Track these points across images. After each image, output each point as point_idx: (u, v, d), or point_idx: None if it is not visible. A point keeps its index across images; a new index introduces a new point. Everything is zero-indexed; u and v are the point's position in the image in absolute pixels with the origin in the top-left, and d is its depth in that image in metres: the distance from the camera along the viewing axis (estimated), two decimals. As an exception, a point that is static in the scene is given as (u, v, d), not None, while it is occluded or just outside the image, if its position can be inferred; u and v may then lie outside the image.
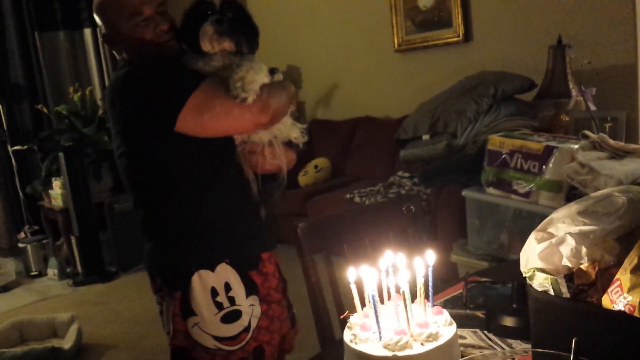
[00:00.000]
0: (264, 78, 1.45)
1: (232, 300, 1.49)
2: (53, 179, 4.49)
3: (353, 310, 1.05)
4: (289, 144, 1.60)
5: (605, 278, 0.96)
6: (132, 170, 1.50)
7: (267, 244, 1.60)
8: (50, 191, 4.54)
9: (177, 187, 1.47)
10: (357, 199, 3.75)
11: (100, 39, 1.63)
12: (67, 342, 3.06)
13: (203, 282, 1.46)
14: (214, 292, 1.47)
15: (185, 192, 1.48)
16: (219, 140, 1.48)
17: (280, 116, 1.51)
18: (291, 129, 1.59)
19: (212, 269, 1.47)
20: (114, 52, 1.59)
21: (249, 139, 1.53)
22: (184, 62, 1.48)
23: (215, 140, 1.47)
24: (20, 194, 4.80)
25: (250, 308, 1.51)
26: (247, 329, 1.51)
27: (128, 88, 1.43)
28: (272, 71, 1.53)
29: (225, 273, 1.48)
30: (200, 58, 1.45)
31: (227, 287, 1.48)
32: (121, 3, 1.46)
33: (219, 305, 1.47)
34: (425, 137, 3.22)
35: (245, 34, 1.45)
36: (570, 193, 2.12)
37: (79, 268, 4.46)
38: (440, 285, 1.50)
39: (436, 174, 3.09)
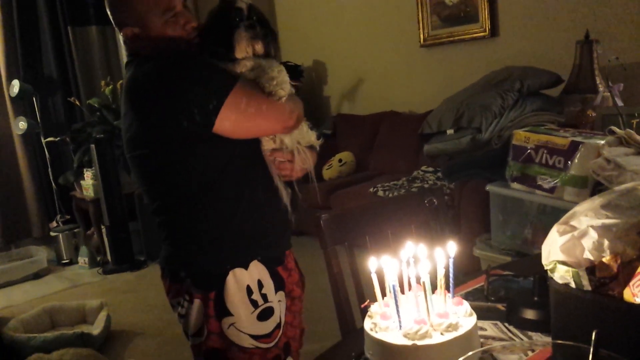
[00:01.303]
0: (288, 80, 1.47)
1: (265, 298, 1.48)
2: (85, 170, 4.59)
3: (374, 299, 1.07)
4: (310, 148, 1.60)
5: (627, 271, 0.96)
6: (159, 174, 1.45)
7: (289, 241, 1.62)
8: (82, 182, 4.64)
9: (210, 190, 1.44)
10: (380, 193, 3.76)
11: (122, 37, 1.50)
12: (96, 328, 3.13)
13: (238, 280, 1.45)
14: (249, 291, 1.46)
15: (217, 194, 1.44)
16: (247, 141, 1.47)
17: (300, 120, 1.52)
18: (310, 134, 1.60)
19: (246, 267, 1.46)
20: (129, 47, 1.49)
21: (282, 144, 1.53)
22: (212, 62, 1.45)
23: (244, 141, 1.46)
24: (53, 184, 4.91)
25: (279, 304, 1.52)
26: (279, 325, 1.51)
27: (158, 86, 1.36)
28: (298, 72, 1.56)
29: (257, 270, 1.48)
30: (227, 61, 1.43)
31: (260, 284, 1.48)
32: None
33: (255, 304, 1.46)
34: (450, 131, 3.21)
35: (271, 37, 1.47)
36: (596, 189, 2.10)
37: (109, 257, 4.56)
38: (462, 278, 1.50)
39: (460, 168, 3.08)
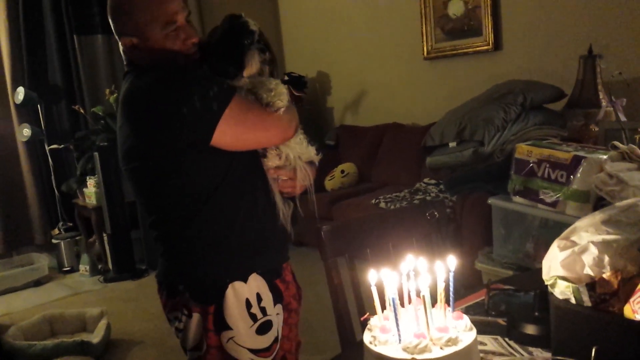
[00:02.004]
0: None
1: (264, 311, 1.47)
2: (88, 178, 4.60)
3: (373, 312, 1.07)
4: (310, 164, 1.60)
5: (627, 288, 0.96)
6: (155, 187, 1.44)
7: (287, 254, 1.61)
8: (84, 189, 4.65)
9: (207, 202, 1.42)
10: (382, 205, 3.76)
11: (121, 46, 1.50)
12: (96, 337, 3.12)
13: (237, 294, 1.44)
14: (248, 304, 1.45)
15: (215, 206, 1.43)
16: (245, 154, 1.46)
17: (297, 130, 1.53)
18: (310, 149, 1.61)
19: (245, 280, 1.45)
20: (127, 57, 1.48)
21: (287, 160, 1.54)
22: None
23: (242, 153, 1.45)
24: (56, 191, 4.92)
25: (277, 317, 1.51)
26: (277, 339, 1.51)
27: (154, 100, 1.35)
28: (302, 82, 1.60)
29: (256, 283, 1.47)
30: (230, 77, 1.45)
31: (259, 297, 1.47)
32: (156, 9, 1.38)
33: (254, 317, 1.45)
34: (452, 144, 3.22)
35: (275, 63, 1.52)
36: (598, 204, 2.10)
37: (110, 265, 4.56)
38: (463, 292, 1.50)
39: (462, 181, 3.08)
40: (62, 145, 4.79)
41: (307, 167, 1.57)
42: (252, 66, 1.44)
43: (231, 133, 1.37)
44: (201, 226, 1.44)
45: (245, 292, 1.44)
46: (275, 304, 1.50)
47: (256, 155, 1.50)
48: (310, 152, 1.60)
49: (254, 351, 1.46)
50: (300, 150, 1.55)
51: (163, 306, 1.54)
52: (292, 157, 1.53)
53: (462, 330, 0.99)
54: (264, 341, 1.47)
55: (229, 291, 1.43)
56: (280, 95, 1.44)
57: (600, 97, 2.92)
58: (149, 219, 1.51)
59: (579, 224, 1.12)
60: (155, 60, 1.42)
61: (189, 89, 1.34)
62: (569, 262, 1.04)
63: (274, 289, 1.50)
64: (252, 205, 1.48)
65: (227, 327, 1.44)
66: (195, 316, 1.45)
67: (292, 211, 1.58)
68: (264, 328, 1.47)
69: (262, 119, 1.42)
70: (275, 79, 1.49)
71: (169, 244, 1.49)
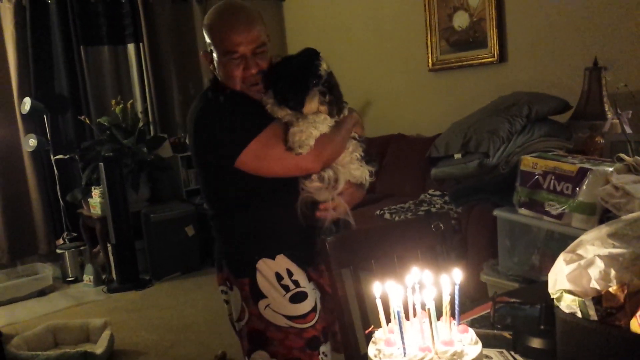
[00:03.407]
0: (324, 129, 1.58)
1: (296, 283, 1.65)
2: (93, 188, 4.61)
3: (378, 325, 1.06)
4: (358, 185, 1.71)
5: (634, 302, 0.95)
6: (202, 184, 1.74)
7: (314, 252, 1.69)
8: (89, 199, 4.66)
9: (241, 202, 1.65)
10: (387, 216, 3.75)
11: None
12: (99, 348, 3.12)
13: (267, 268, 1.63)
14: (278, 277, 1.64)
15: (251, 206, 1.65)
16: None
17: (332, 160, 1.63)
18: (359, 170, 1.69)
19: (273, 258, 1.64)
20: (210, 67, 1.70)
21: (324, 180, 1.64)
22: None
23: None
24: (61, 201, 4.93)
25: (314, 291, 1.68)
26: (314, 309, 1.66)
27: (200, 121, 1.60)
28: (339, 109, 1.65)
29: (284, 261, 1.65)
30: (279, 107, 1.57)
31: (289, 272, 1.65)
32: (222, 36, 1.55)
33: (285, 288, 1.64)
34: (457, 155, 3.21)
35: (337, 104, 1.61)
36: (604, 216, 2.09)
37: (114, 275, 4.56)
38: (469, 305, 1.49)
39: (467, 193, 3.07)
40: (68, 156, 4.81)
41: (342, 197, 1.65)
42: (311, 105, 1.54)
43: (251, 163, 1.56)
44: (237, 219, 1.67)
45: (274, 266, 1.64)
46: (310, 282, 1.68)
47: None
48: (361, 174, 1.69)
49: (290, 317, 1.63)
50: (348, 175, 1.66)
51: (217, 281, 1.78)
52: (326, 179, 1.63)
53: (467, 343, 0.99)
54: (298, 309, 1.63)
55: (260, 265, 1.64)
56: (307, 139, 1.54)
57: (606, 109, 2.92)
58: (209, 212, 1.76)
59: (585, 237, 1.11)
60: (220, 77, 1.63)
61: (221, 120, 1.57)
62: (575, 275, 1.03)
63: (305, 272, 1.68)
64: (283, 204, 1.64)
65: (263, 296, 1.63)
66: (235, 289, 1.68)
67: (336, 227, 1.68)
68: (298, 297, 1.64)
69: (282, 157, 1.57)
70: (318, 117, 1.57)
71: (217, 231, 1.74)
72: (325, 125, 1.58)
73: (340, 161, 1.66)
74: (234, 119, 1.57)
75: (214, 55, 1.61)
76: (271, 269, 1.64)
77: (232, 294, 1.70)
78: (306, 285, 1.66)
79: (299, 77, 1.55)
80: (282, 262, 1.65)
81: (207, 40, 1.62)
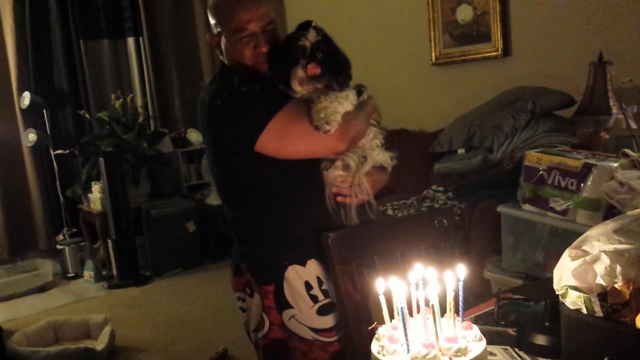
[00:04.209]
0: (348, 106, 1.48)
1: (326, 293, 1.55)
2: (93, 183, 4.61)
3: (381, 321, 1.05)
4: (380, 168, 1.63)
5: (639, 298, 0.94)
6: (220, 175, 1.58)
7: None
8: (89, 195, 4.65)
9: (265, 194, 1.53)
10: (389, 212, 3.74)
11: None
12: (99, 344, 3.11)
13: (296, 275, 1.53)
14: (307, 286, 1.54)
15: (276, 200, 1.53)
16: (304, 160, 1.52)
17: (358, 140, 1.54)
18: (381, 155, 1.62)
19: (304, 264, 1.54)
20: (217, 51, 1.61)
21: (348, 168, 1.54)
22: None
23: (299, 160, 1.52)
24: (61, 197, 4.93)
25: None
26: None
27: (213, 105, 1.48)
28: (360, 91, 1.58)
29: (315, 267, 1.55)
30: (287, 89, 1.48)
31: (319, 280, 1.55)
32: (230, 15, 1.48)
33: (314, 298, 1.54)
34: (461, 151, 3.19)
35: (335, 73, 1.48)
36: (609, 212, 2.07)
37: (115, 271, 4.56)
38: (472, 301, 1.48)
39: (471, 188, 3.05)
40: (68, 151, 4.81)
41: (366, 179, 1.57)
42: (297, 83, 1.45)
43: (274, 144, 1.45)
44: (261, 215, 1.55)
45: (304, 275, 1.54)
46: None
47: (316, 162, 1.55)
48: (382, 158, 1.61)
49: (315, 330, 1.54)
50: (372, 158, 1.57)
51: (233, 289, 1.66)
52: (353, 166, 1.54)
53: (471, 340, 0.99)
54: (326, 322, 1.55)
55: (289, 272, 1.53)
56: (332, 115, 1.44)
57: (611, 104, 2.89)
58: (225, 207, 1.64)
59: (590, 233, 1.10)
60: (229, 61, 1.54)
61: (238, 100, 1.46)
62: (581, 271, 1.02)
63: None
64: (312, 199, 1.55)
65: (289, 306, 1.54)
66: (256, 296, 1.56)
67: (359, 209, 1.59)
68: (326, 309, 1.55)
69: (306, 134, 1.46)
70: (337, 92, 1.47)
71: (237, 230, 1.62)
72: (349, 103, 1.49)
73: (362, 147, 1.57)
74: (251, 98, 1.46)
75: (222, 37, 1.53)
76: (301, 277, 1.53)
77: (252, 302, 1.58)
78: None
79: (281, 53, 1.48)
80: (313, 269, 1.55)
81: (213, 21, 1.55)
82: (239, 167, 1.52)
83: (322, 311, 1.54)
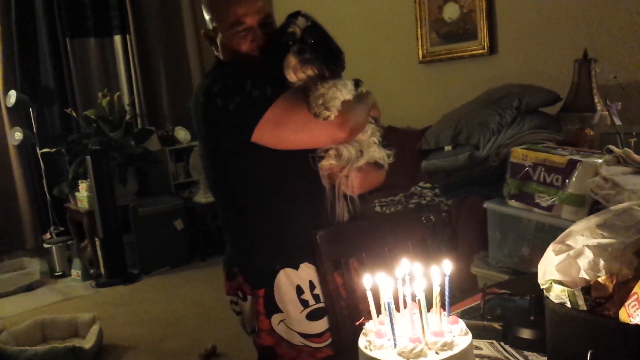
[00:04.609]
0: (346, 94, 1.46)
1: (317, 298, 1.52)
2: (80, 182, 4.58)
3: (369, 317, 1.06)
4: (376, 165, 1.61)
5: (622, 291, 0.96)
6: (214, 174, 1.54)
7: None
8: (76, 193, 4.62)
9: (259, 194, 1.50)
10: (377, 208, 3.75)
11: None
12: (88, 342, 3.10)
13: (288, 280, 1.50)
14: (299, 290, 1.50)
15: (268, 200, 1.50)
16: (298, 152, 1.48)
17: (358, 131, 1.51)
18: (378, 152, 1.60)
19: (296, 268, 1.51)
20: (214, 50, 1.59)
21: (342, 159, 1.52)
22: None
23: (295, 152, 1.48)
24: (47, 195, 4.89)
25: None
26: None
27: (208, 95, 1.44)
28: (357, 83, 1.55)
29: (308, 271, 1.52)
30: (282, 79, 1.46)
31: (311, 285, 1.52)
32: (226, 9, 1.46)
33: (305, 303, 1.51)
34: (447, 148, 3.21)
35: (327, 59, 1.46)
36: (594, 207, 2.09)
37: (102, 270, 4.53)
38: (459, 296, 1.49)
39: (458, 185, 3.07)
40: (54, 149, 4.77)
41: (360, 176, 1.54)
42: (290, 71, 1.43)
43: (271, 133, 1.41)
44: (255, 217, 1.52)
45: (296, 278, 1.50)
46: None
47: (311, 153, 1.51)
48: (379, 155, 1.59)
49: (305, 335, 1.51)
50: (368, 155, 1.55)
51: (225, 292, 1.63)
52: (345, 156, 1.51)
53: (457, 334, 0.99)
54: (315, 327, 1.51)
55: (280, 276, 1.49)
56: (331, 101, 1.41)
57: (596, 101, 2.92)
58: (215, 200, 1.61)
59: (574, 227, 1.11)
60: (222, 54, 1.53)
61: (234, 88, 1.42)
62: (565, 266, 1.03)
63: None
64: (306, 200, 1.52)
65: (278, 310, 1.50)
66: (249, 299, 1.54)
67: (350, 206, 1.57)
68: (316, 315, 1.52)
69: (305, 122, 1.42)
70: (335, 80, 1.45)
71: (228, 231, 1.59)
72: (347, 91, 1.46)
73: (360, 142, 1.55)
74: (248, 89, 1.41)
75: (218, 33, 1.51)
76: (292, 281, 1.50)
77: (246, 305, 1.56)
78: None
79: (273, 42, 1.47)
80: (305, 273, 1.51)
81: (208, 16, 1.53)
82: (233, 164, 1.48)
83: (312, 316, 1.51)
